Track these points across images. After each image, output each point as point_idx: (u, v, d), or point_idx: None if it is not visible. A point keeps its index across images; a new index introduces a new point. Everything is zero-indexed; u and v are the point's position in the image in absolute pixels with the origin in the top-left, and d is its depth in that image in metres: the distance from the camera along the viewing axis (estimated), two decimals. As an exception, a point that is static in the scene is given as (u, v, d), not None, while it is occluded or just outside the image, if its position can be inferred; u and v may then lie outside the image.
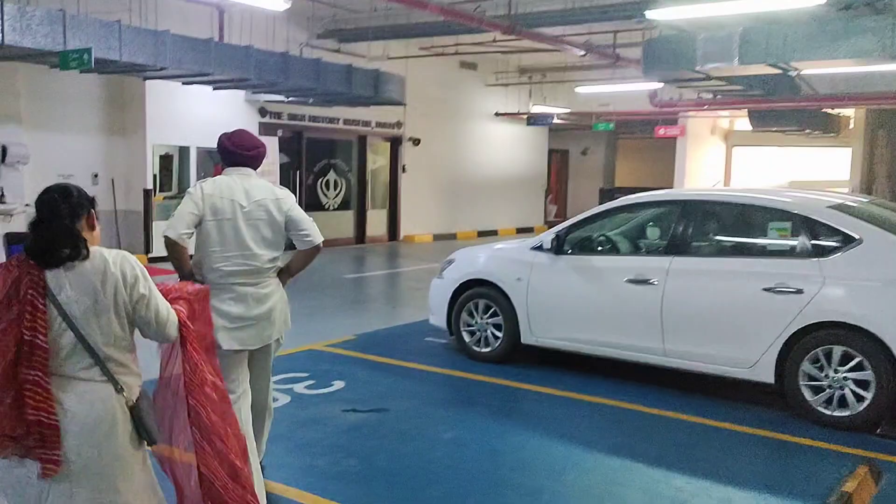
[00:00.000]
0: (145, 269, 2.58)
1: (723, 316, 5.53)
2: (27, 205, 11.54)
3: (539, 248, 6.49)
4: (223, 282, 3.68)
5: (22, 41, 8.38)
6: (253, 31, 12.16)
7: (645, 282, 5.80)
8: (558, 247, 6.34)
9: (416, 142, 17.81)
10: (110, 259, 2.46)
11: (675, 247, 5.87)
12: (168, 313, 2.58)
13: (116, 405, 2.43)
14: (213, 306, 3.40)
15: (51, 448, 2.34)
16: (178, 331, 2.61)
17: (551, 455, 4.75)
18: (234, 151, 3.75)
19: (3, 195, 11.12)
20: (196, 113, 13.22)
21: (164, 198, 13.05)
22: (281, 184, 14.30)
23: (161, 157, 13.05)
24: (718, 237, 6.11)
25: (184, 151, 13.27)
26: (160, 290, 2.63)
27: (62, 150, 11.92)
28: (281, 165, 14.84)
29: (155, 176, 12.95)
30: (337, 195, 16.53)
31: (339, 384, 6.11)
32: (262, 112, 14.50)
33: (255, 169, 3.82)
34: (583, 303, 6.25)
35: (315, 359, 6.90)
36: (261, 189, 3.72)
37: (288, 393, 5.83)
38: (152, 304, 2.53)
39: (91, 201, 2.59)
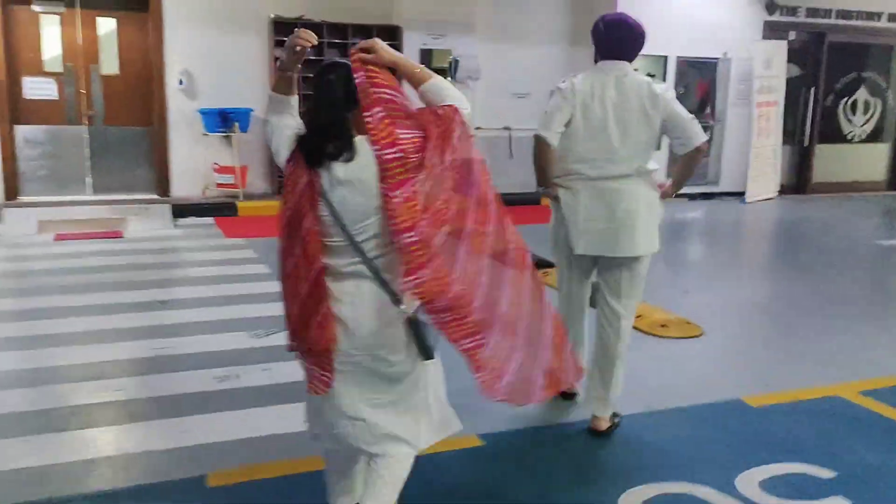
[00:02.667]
0: None
1: None
2: (478, 128, 10.05)
3: None
4: (582, 184, 3.34)
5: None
6: None
7: None
8: None
9: None
10: None
11: None
12: None
13: (392, 311, 2.15)
14: (567, 203, 3.38)
15: (324, 365, 2.20)
16: None
17: None
18: (608, 39, 3.30)
19: (451, 116, 9.77)
20: (681, 13, 10.21)
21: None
22: (787, 104, 10.87)
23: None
24: None
25: (658, 63, 10.43)
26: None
27: (518, 63, 10.11)
28: (788, 80, 11.01)
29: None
30: (867, 122, 12.00)
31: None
32: (770, 7, 10.78)
33: (630, 61, 3.32)
34: None
35: (835, 422, 3.65)
36: (636, 85, 3.25)
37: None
38: None
39: None
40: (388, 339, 2.17)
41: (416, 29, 9.53)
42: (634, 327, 4.85)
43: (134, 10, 8.74)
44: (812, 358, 4.62)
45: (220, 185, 9.00)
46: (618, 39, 3.29)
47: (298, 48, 2.13)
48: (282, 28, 9.03)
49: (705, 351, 4.74)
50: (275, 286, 5.94)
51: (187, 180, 9.06)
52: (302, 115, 2.23)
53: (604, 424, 3.47)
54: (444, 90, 2.17)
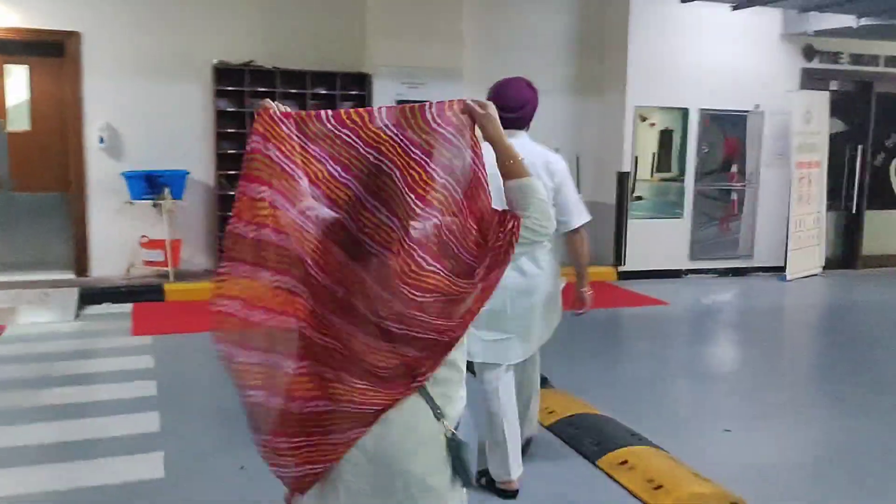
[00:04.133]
0: None
1: None
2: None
3: None
4: None
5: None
6: None
7: None
8: None
9: None
10: None
11: None
12: None
13: (431, 429, 1.76)
14: None
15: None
16: None
17: None
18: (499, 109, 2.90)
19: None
20: (705, 60, 8.70)
21: (660, 179, 8.85)
22: (831, 165, 9.20)
23: (661, 131, 8.83)
24: None
25: (677, 116, 8.87)
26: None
27: (513, 117, 8.58)
28: (831, 137, 9.42)
29: (653, 154, 8.79)
30: (923, 184, 10.31)
31: None
32: (808, 53, 9.24)
33: (523, 129, 3.29)
34: None
35: None
36: (531, 153, 3.11)
37: None
38: None
39: None
40: (422, 464, 1.75)
41: (390, 76, 8.06)
42: None
43: (49, 56, 7.34)
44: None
45: (147, 262, 7.45)
46: (503, 111, 3.09)
47: None
48: (226, 75, 7.58)
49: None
50: (147, 421, 4.16)
51: (110, 257, 7.52)
52: None
53: (516, 485, 3.41)
54: (533, 196, 1.81)
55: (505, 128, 3.45)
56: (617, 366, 5.64)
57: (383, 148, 1.63)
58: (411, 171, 1.62)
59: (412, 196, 1.62)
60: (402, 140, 1.64)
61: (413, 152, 1.63)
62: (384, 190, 1.61)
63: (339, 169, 1.64)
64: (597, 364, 5.59)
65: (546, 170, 3.19)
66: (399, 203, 1.61)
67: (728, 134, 9.09)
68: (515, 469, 3.37)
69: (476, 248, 1.71)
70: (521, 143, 3.16)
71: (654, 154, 8.81)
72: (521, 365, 3.54)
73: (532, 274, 3.27)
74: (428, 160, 1.64)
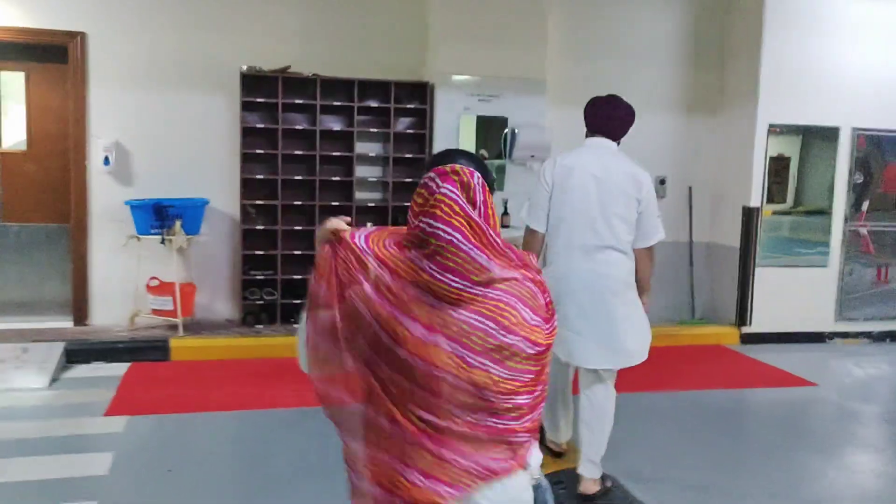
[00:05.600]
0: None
1: None
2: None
3: None
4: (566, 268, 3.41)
5: None
6: None
7: None
8: None
9: None
10: None
11: None
12: None
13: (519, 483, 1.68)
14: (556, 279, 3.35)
15: None
16: None
17: None
18: (594, 115, 3.46)
19: (506, 211, 6.64)
20: (856, 65, 6.83)
21: (773, 213, 6.96)
22: None
23: (772, 158, 6.94)
24: None
25: (823, 136, 6.99)
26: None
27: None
28: None
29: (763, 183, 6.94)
30: None
31: None
32: None
33: (616, 140, 3.48)
34: None
35: None
36: (620, 162, 3.38)
37: None
38: None
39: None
40: None
41: (457, 87, 6.54)
42: None
43: (49, 61, 6.17)
44: None
45: (155, 311, 6.13)
46: (607, 118, 3.40)
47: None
48: (256, 84, 6.23)
49: None
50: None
51: (114, 302, 6.24)
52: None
53: (593, 487, 3.44)
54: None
55: (599, 132, 3.42)
56: (753, 491, 3.85)
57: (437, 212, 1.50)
58: (474, 229, 1.51)
59: (482, 255, 1.51)
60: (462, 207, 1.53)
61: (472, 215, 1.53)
62: (449, 260, 1.48)
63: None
64: (720, 488, 3.83)
65: (633, 181, 3.25)
66: (469, 267, 1.49)
67: (889, 160, 7.13)
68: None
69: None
70: (613, 153, 3.36)
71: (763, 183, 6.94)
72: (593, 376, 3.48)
73: (602, 261, 3.33)
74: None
